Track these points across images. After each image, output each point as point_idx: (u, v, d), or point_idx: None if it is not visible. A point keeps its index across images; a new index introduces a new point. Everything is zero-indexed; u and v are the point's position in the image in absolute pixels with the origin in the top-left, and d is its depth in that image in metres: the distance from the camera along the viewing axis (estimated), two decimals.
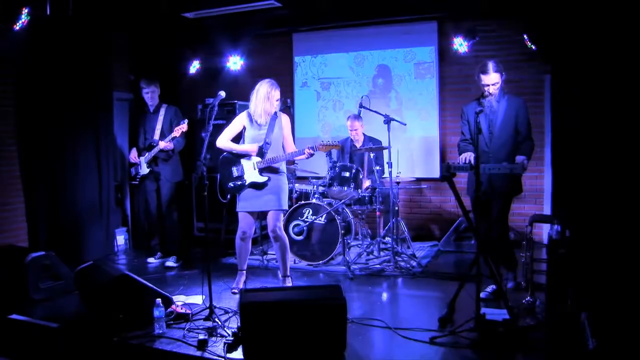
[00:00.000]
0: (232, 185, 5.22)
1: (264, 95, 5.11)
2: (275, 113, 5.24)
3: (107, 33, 6.94)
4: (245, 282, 5.49)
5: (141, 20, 7.20)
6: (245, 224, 5.26)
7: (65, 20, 6.13)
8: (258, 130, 5.18)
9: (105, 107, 7.10)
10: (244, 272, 5.47)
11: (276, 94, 5.17)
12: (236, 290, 5.31)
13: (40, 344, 4.42)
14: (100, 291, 4.55)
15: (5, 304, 4.94)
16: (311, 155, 5.06)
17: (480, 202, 4.82)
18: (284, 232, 5.31)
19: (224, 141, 5.23)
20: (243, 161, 5.19)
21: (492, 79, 4.82)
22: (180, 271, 6.26)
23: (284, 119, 5.31)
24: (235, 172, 5.22)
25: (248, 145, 5.18)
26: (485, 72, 4.83)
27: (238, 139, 5.31)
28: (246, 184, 5.16)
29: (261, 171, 5.13)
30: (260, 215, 5.58)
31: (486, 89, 4.86)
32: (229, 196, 5.38)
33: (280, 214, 5.25)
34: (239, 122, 5.27)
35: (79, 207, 6.68)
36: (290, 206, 6.55)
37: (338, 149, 5.40)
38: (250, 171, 5.16)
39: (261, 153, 5.14)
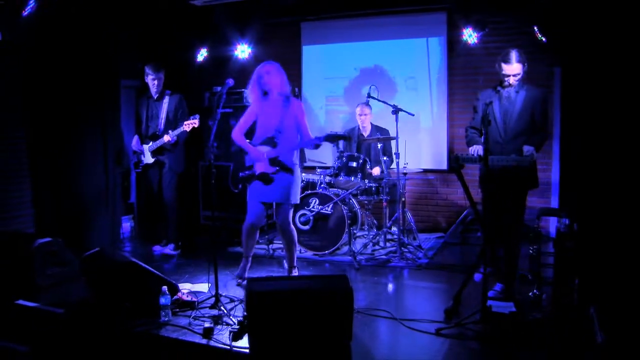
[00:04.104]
0: (242, 174, 5.13)
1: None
2: (288, 98, 5.04)
3: (115, 20, 6.91)
4: (247, 269, 5.36)
5: (149, 7, 7.17)
6: (254, 214, 5.13)
7: (73, 6, 6.11)
8: (269, 117, 5.01)
9: (112, 95, 7.07)
10: (249, 258, 5.33)
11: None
12: (240, 280, 5.25)
13: (46, 330, 4.43)
14: (107, 278, 4.55)
15: (11, 290, 4.95)
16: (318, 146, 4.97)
17: (491, 194, 4.76)
18: (292, 226, 5.20)
19: (237, 135, 5.12)
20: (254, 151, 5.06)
21: (514, 69, 4.60)
22: (186, 259, 6.27)
23: (297, 103, 5.11)
24: (247, 160, 5.13)
25: (256, 150, 5.04)
26: (507, 61, 4.60)
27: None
28: (256, 174, 5.04)
29: (271, 162, 4.98)
30: (269, 205, 5.41)
31: (507, 79, 4.65)
32: (240, 186, 5.31)
33: (291, 207, 5.14)
34: (251, 111, 5.12)
35: (85, 194, 6.67)
36: None
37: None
38: (259, 162, 5.05)
39: (272, 142, 4.98)
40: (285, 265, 5.35)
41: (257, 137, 5.10)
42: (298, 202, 5.22)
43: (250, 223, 5.15)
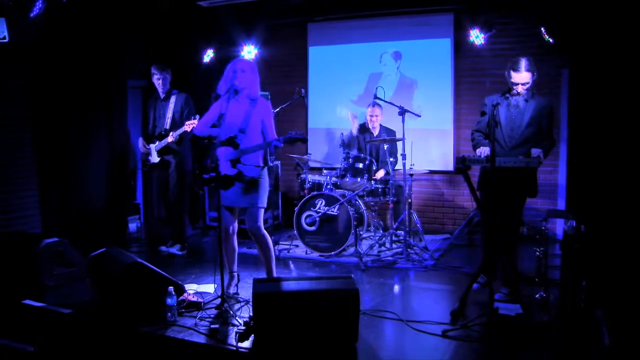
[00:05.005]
0: (205, 176, 4.63)
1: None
2: (255, 99, 4.71)
3: (121, 21, 6.93)
4: (237, 285, 5.00)
5: (155, 8, 7.18)
6: (225, 220, 4.82)
7: (80, 7, 6.12)
8: (233, 116, 4.65)
9: (119, 95, 7.07)
10: (235, 274, 5.02)
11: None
12: (229, 292, 4.82)
13: (53, 330, 4.44)
14: (113, 278, 4.55)
15: (18, 290, 4.96)
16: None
17: (492, 197, 4.71)
18: (264, 231, 4.81)
19: (201, 132, 4.82)
20: (218, 152, 4.65)
21: (523, 78, 4.49)
22: (192, 260, 6.27)
23: (264, 104, 4.77)
24: (209, 161, 4.69)
25: (218, 150, 4.61)
26: (516, 69, 4.49)
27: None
28: (219, 176, 4.56)
29: (232, 163, 4.59)
30: (241, 212, 4.99)
31: (515, 87, 4.55)
32: (206, 188, 5.06)
33: (259, 211, 4.73)
34: (215, 108, 4.77)
35: (91, 195, 6.68)
36: (303, 197, 6.54)
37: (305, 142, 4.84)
38: (222, 163, 4.61)
39: (234, 143, 4.55)
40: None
41: (220, 137, 4.65)
42: (265, 205, 4.79)
43: (222, 227, 4.76)
